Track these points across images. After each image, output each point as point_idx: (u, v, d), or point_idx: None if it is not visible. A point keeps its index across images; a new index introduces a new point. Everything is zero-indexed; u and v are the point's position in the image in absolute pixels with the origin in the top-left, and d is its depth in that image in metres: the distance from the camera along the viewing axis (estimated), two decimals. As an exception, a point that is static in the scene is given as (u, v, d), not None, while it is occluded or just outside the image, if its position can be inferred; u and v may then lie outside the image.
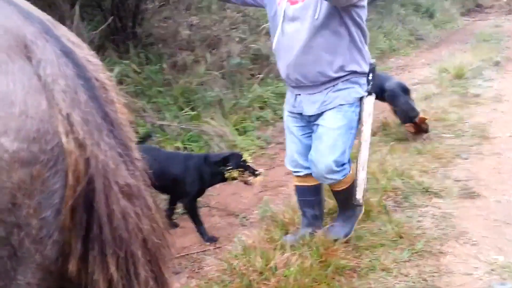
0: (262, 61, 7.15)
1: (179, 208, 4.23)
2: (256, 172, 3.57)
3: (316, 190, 3.39)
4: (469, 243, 3.43)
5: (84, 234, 1.14)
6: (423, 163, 4.75)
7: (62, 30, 1.32)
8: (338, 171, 3.06)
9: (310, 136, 3.18)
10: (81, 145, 1.12)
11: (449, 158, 4.88)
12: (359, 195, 3.15)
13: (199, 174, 3.66)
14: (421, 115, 5.31)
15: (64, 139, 1.10)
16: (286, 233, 3.50)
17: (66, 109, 1.12)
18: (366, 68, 3.02)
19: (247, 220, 4.00)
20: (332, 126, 3.00)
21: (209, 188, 4.56)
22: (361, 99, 3.03)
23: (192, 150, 4.97)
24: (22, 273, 1.11)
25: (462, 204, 3.98)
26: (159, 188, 4.06)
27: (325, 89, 2.99)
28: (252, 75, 6.90)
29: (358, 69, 2.98)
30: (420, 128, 5.35)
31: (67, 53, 1.20)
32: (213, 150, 5.05)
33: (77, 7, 4.99)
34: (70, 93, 1.14)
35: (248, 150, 5.31)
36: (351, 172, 3.17)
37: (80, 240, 1.14)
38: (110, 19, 5.41)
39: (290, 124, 3.26)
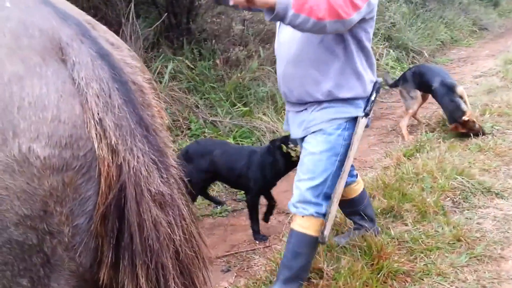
0: (317, 55, 7.01)
1: (230, 205, 4.23)
2: None
3: (357, 201, 3.15)
4: (533, 248, 3.23)
5: (115, 242, 1.11)
6: (484, 161, 4.51)
7: (100, 31, 1.29)
8: (312, 203, 2.61)
9: None
10: (113, 151, 1.09)
11: (512, 156, 4.61)
12: (327, 231, 2.64)
13: (261, 169, 3.58)
14: (467, 116, 4.98)
15: (96, 145, 1.08)
16: (337, 234, 3.40)
17: (99, 114, 1.09)
18: (363, 93, 2.57)
19: (298, 218, 3.91)
20: (312, 150, 2.59)
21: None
22: (354, 121, 2.58)
23: (244, 146, 4.95)
24: (56, 280, 1.10)
25: (526, 206, 3.75)
26: (227, 183, 4.06)
27: (311, 107, 2.60)
28: (306, 69, 6.79)
29: (350, 95, 2.54)
30: (469, 128, 5.07)
31: (103, 55, 1.17)
32: (265, 146, 5.00)
33: (132, 5, 5.05)
34: (104, 97, 1.12)
35: (300, 146, 5.23)
36: (324, 218, 2.65)
37: (112, 248, 1.11)
38: (164, 16, 5.45)
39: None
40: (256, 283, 2.98)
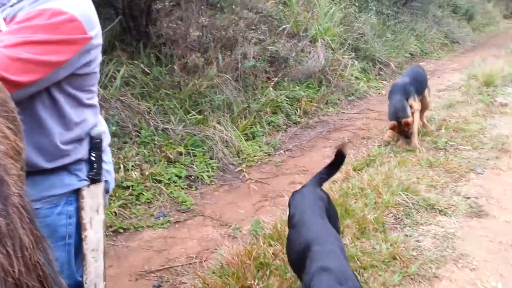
0: (280, 63, 6.99)
1: (173, 216, 4.13)
2: None
3: None
4: (468, 267, 3.21)
5: None
6: (433, 177, 4.51)
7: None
8: None
9: None
10: None
11: (462, 173, 4.62)
12: None
13: None
14: (408, 120, 5.06)
15: None
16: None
17: None
18: (85, 154, 1.82)
19: (240, 231, 3.84)
20: None
21: (207, 196, 4.49)
22: (78, 192, 1.83)
23: (195, 156, 4.86)
24: None
25: (467, 224, 3.74)
26: None
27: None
28: (268, 78, 6.75)
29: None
30: (402, 132, 5.16)
31: None
32: (217, 155, 4.93)
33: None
34: None
35: (254, 156, 5.17)
36: None
37: None
38: (118, 18, 5.35)
39: None
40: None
